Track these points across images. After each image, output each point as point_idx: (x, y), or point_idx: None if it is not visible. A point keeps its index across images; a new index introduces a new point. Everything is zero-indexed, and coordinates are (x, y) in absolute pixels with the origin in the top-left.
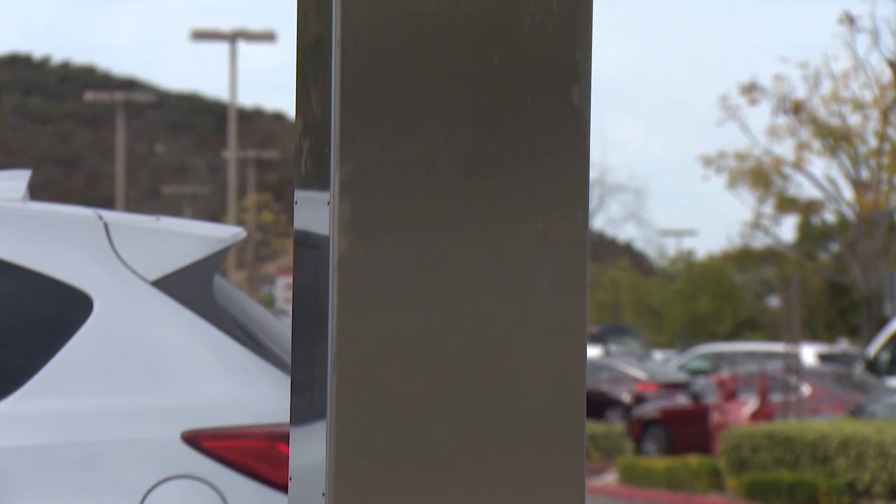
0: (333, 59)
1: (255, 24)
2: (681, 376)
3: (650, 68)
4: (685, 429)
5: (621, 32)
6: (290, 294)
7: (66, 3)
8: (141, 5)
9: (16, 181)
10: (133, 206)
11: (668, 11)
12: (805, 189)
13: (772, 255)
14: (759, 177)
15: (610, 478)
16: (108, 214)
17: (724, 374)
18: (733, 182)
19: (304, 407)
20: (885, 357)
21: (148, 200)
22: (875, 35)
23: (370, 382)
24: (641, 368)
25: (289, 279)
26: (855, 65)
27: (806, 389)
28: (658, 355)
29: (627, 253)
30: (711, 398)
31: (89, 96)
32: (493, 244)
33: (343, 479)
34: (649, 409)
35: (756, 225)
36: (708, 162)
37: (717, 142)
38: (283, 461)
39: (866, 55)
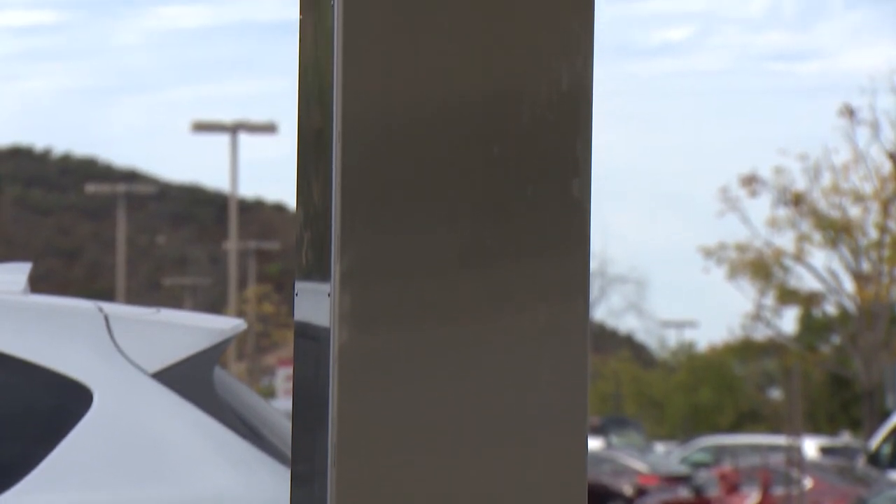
0: (334, 151)
1: (256, 116)
2: (683, 469)
3: (651, 160)
4: None
5: (622, 124)
6: (290, 385)
7: (67, 96)
8: (142, 97)
9: (16, 274)
10: (134, 297)
11: (668, 104)
12: (806, 281)
13: (773, 347)
14: (760, 268)
15: None
16: (108, 307)
17: (727, 467)
18: (734, 273)
19: (305, 499)
20: (888, 450)
21: (148, 292)
22: (875, 127)
23: (371, 475)
24: (643, 461)
25: (289, 370)
26: (855, 157)
27: (808, 483)
28: (660, 447)
29: (628, 344)
30: (714, 491)
31: (90, 188)
32: (494, 335)
33: None
34: (652, 503)
35: (757, 316)
36: (709, 253)
37: (718, 233)
38: None
39: (866, 147)
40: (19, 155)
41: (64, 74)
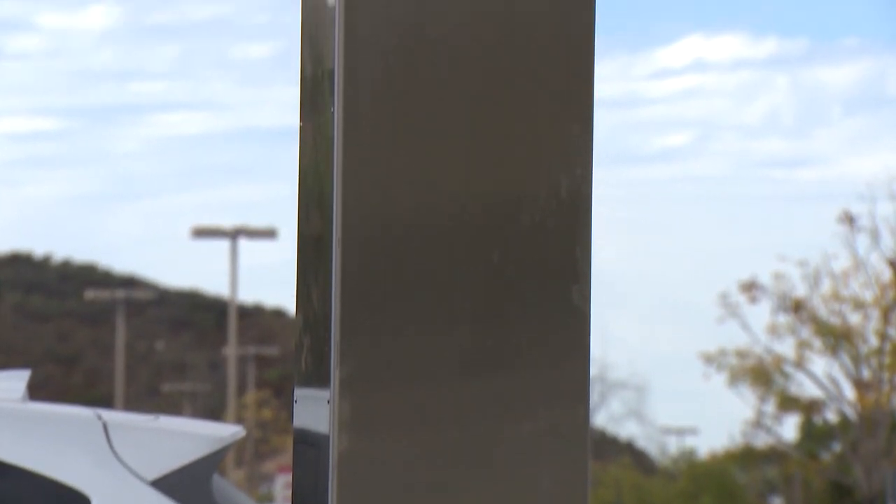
0: (334, 257)
1: (256, 221)
2: None
3: (650, 265)
4: None
5: (621, 230)
6: (289, 493)
7: (68, 202)
8: (142, 203)
9: (15, 381)
10: (132, 403)
11: (667, 209)
12: (806, 388)
13: (774, 455)
14: (760, 375)
15: None
16: (106, 414)
17: None
18: (734, 380)
19: None
20: None
21: (147, 398)
22: (875, 235)
23: None
24: None
25: (288, 477)
26: (855, 264)
27: None
28: None
29: (629, 451)
30: None
31: (90, 294)
32: (494, 441)
33: None
34: None
35: (758, 424)
36: (709, 359)
37: (718, 339)
38: None
39: (866, 255)
40: (19, 261)
41: (64, 181)
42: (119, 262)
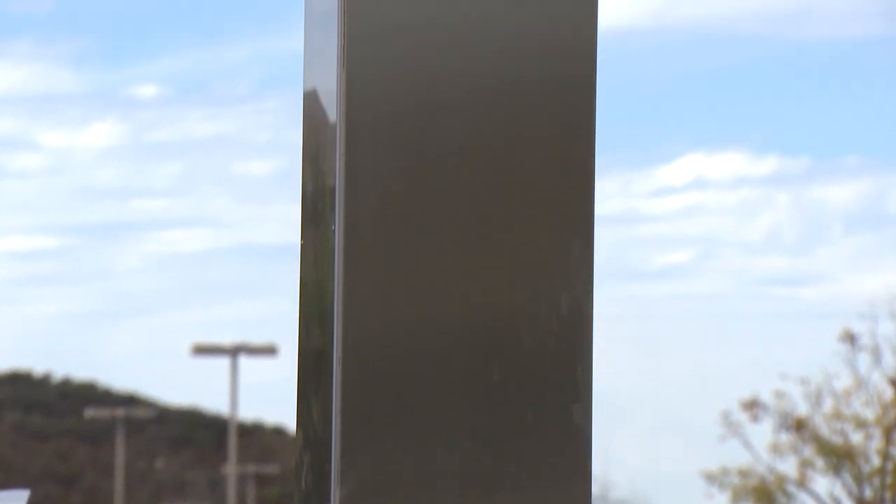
0: (334, 373)
1: (257, 338)
2: None
3: (651, 383)
4: None
5: (622, 348)
6: None
7: (67, 320)
8: (142, 321)
9: (15, 501)
10: None
11: (668, 327)
12: None
13: None
14: (763, 494)
15: None
16: None
17: None
18: (736, 499)
19: None
20: None
21: None
22: (876, 353)
23: None
24: None
25: None
26: (856, 383)
27: None
28: None
29: None
30: None
31: (89, 412)
32: None
33: None
34: None
35: None
36: (711, 478)
37: (720, 458)
38: None
39: (868, 373)
40: (18, 380)
41: (64, 299)
42: (119, 379)
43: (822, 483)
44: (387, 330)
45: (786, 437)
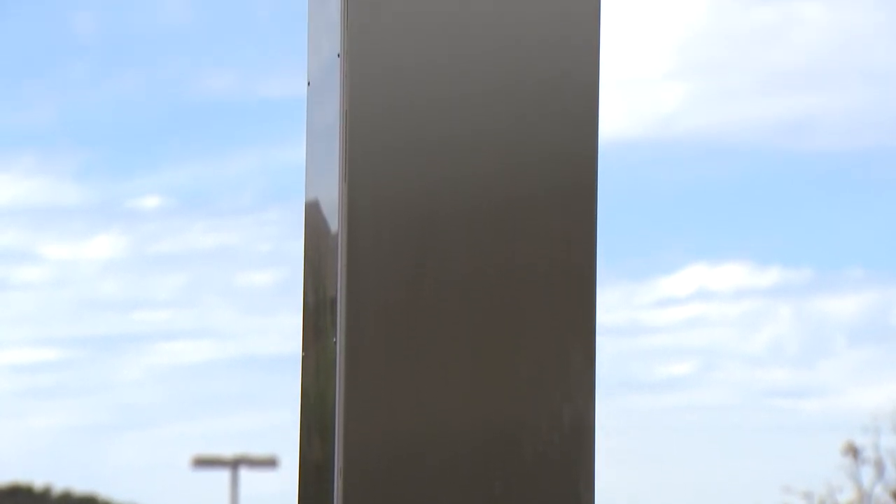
0: (336, 486)
1: (257, 450)
2: None
3: (654, 496)
4: None
5: (624, 460)
6: None
7: (68, 433)
8: (143, 433)
9: None
10: None
11: (671, 439)
12: None
13: None
14: None
15: None
16: None
17: None
18: None
19: None
20: None
21: None
22: (879, 467)
23: None
24: None
25: None
26: (860, 496)
27: None
28: None
29: None
30: None
31: None
32: None
33: None
34: None
35: None
36: None
37: None
38: None
39: (871, 487)
40: (19, 493)
41: (65, 411)
42: (119, 492)
43: None
44: (388, 441)
45: None
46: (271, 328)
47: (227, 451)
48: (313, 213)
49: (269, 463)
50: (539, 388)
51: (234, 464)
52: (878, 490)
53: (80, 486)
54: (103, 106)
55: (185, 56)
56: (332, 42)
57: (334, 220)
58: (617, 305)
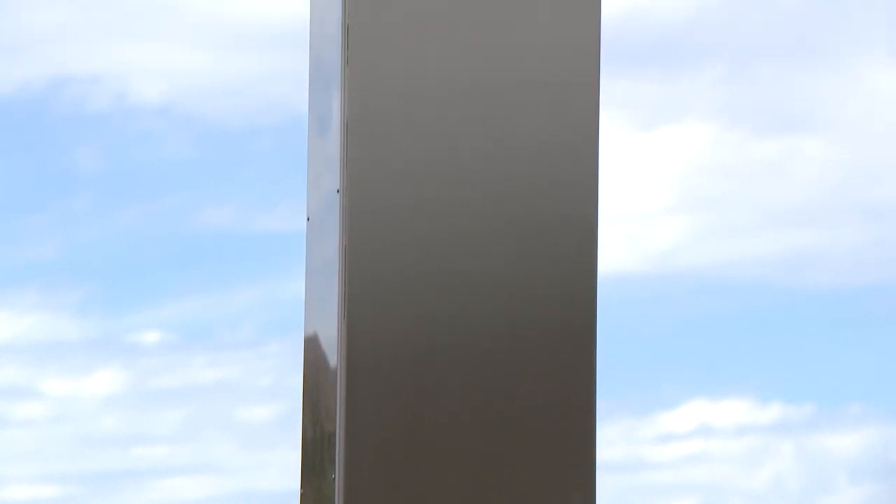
0: None
1: None
2: None
3: None
4: None
5: None
6: None
7: None
8: None
9: None
10: None
11: None
12: None
13: None
14: None
15: None
16: None
17: None
18: None
19: None
20: None
21: None
22: None
23: None
24: None
25: None
26: None
27: None
28: None
29: None
30: None
31: None
32: None
33: None
34: None
35: None
36: None
37: None
38: None
39: None
40: None
41: None
42: None
43: None
44: None
45: None
46: (270, 463)
47: None
48: (312, 348)
49: None
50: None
51: None
52: None
53: None
54: (105, 240)
55: (187, 190)
56: (332, 178)
57: (333, 355)
58: (617, 441)
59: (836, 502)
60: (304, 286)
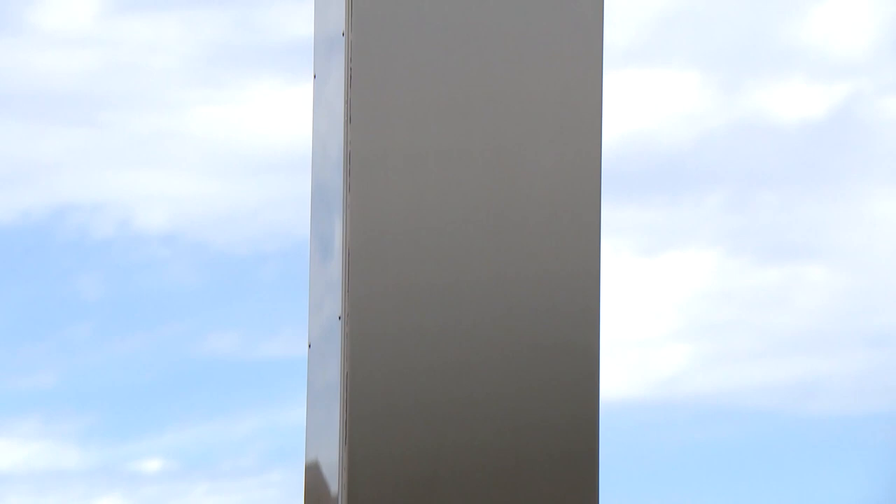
0: None
1: None
2: None
3: None
4: None
5: None
6: None
7: None
8: None
9: None
10: None
11: None
12: None
13: None
14: None
15: None
16: None
17: None
18: None
19: None
20: None
21: None
22: None
23: None
24: None
25: None
26: None
27: None
28: None
29: None
30: None
31: None
32: None
33: None
34: None
35: None
36: None
37: None
38: None
39: None
40: None
41: None
42: None
43: None
44: None
45: None
46: None
47: None
48: (313, 475)
49: None
50: None
51: None
52: None
53: None
54: (106, 368)
55: (190, 317)
56: (334, 304)
57: (334, 482)
58: None
59: None
60: (305, 412)
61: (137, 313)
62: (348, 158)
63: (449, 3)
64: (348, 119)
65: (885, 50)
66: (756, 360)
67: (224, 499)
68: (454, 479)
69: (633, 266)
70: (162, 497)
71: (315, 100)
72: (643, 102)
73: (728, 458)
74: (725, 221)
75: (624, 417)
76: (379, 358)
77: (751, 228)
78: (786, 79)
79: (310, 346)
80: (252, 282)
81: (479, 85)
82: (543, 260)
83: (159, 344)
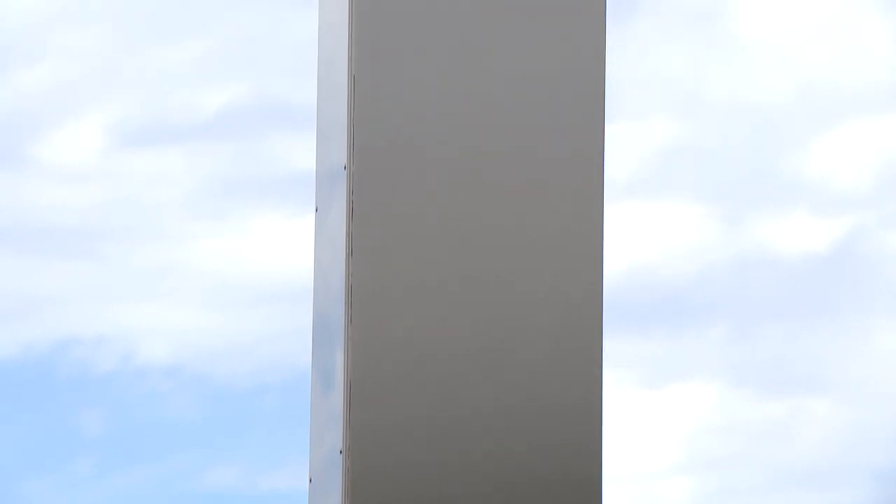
0: None
1: None
2: None
3: None
4: None
5: None
6: None
7: None
8: None
9: None
10: None
11: None
12: None
13: None
14: None
15: None
16: None
17: None
18: None
19: None
20: None
21: None
22: None
23: None
24: None
25: None
26: None
27: None
28: None
29: None
30: None
31: None
32: None
33: None
34: None
35: None
36: None
37: None
38: None
39: None
40: None
41: None
42: None
43: None
44: None
45: None
46: None
47: None
48: None
49: None
50: None
51: None
52: None
53: None
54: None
55: (190, 450)
56: (335, 438)
57: None
58: None
59: None
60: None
61: (139, 447)
62: (350, 291)
63: (449, 138)
64: (349, 251)
65: (887, 183)
66: (759, 495)
67: None
68: None
69: (636, 398)
70: None
71: (317, 232)
72: (645, 235)
73: None
74: (728, 354)
75: None
76: (380, 494)
77: (753, 361)
78: (788, 212)
79: (310, 480)
80: (254, 414)
81: (481, 218)
82: (545, 391)
83: (161, 478)
